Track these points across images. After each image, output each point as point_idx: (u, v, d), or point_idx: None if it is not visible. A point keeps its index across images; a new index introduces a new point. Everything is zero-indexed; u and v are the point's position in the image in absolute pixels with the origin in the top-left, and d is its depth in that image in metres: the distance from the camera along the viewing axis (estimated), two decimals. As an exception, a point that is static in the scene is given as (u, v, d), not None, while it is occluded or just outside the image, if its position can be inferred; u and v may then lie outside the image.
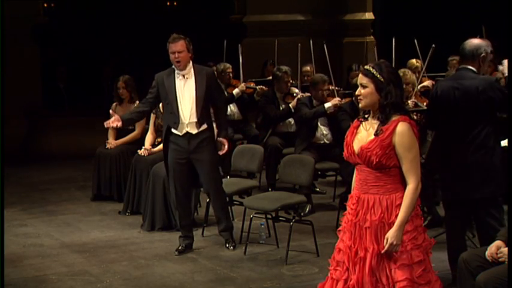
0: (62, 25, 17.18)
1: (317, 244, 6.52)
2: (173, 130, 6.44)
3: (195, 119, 6.37)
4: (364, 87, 4.04)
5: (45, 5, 15.36)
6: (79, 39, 17.57)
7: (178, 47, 6.33)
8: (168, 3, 19.58)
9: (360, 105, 4.11)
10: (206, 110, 6.46)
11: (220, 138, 6.55)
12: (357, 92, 4.11)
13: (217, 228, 6.82)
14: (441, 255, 5.64)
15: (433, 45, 7.39)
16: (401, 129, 3.96)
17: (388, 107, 3.99)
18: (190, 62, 6.42)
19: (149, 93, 6.58)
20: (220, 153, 6.57)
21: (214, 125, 6.71)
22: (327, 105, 8.02)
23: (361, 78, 4.06)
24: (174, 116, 6.38)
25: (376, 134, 4.00)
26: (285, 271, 6.17)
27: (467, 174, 5.26)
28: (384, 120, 4.01)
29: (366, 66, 4.09)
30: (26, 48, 11.81)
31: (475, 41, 5.38)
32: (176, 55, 6.33)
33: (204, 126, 6.42)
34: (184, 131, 6.40)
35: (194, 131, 6.39)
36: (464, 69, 5.34)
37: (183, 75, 6.39)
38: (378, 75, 4.00)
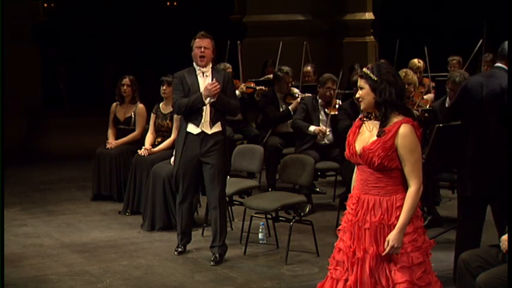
0: (62, 25, 17.19)
1: (317, 244, 6.52)
2: (189, 129, 6.33)
3: (208, 118, 6.28)
4: (361, 88, 4.08)
5: (45, 5, 15.37)
6: (79, 39, 17.57)
7: (206, 43, 6.27)
8: (168, 3, 19.57)
9: (361, 107, 4.14)
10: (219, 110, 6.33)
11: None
12: (356, 95, 4.15)
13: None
14: (441, 256, 5.65)
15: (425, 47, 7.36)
16: (404, 131, 3.97)
17: (382, 105, 4.00)
18: (211, 63, 6.38)
19: (179, 92, 6.34)
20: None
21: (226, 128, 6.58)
22: (312, 128, 8.04)
23: (359, 81, 4.10)
24: (196, 113, 6.28)
25: (378, 135, 4.00)
26: (285, 271, 6.17)
27: (489, 173, 5.25)
28: (382, 120, 4.02)
29: (363, 69, 4.11)
30: (26, 48, 11.80)
31: None
32: (202, 49, 6.26)
33: (218, 126, 6.30)
34: (199, 130, 6.29)
35: (208, 130, 6.28)
36: (498, 68, 5.35)
37: (203, 73, 6.33)
38: (372, 75, 4.02)
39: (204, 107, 6.26)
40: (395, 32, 9.78)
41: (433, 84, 9.33)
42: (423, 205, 7.35)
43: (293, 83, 9.29)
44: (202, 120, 6.28)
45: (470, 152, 5.38)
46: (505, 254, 4.40)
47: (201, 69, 6.32)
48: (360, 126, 4.16)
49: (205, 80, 6.31)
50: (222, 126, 6.34)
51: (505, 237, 4.42)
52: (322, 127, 8.09)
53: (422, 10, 14.61)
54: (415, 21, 13.92)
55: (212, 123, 6.29)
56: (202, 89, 6.27)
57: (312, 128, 8.07)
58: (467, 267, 4.54)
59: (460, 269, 4.61)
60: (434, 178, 6.95)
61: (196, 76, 6.34)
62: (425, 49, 9.47)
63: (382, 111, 4.01)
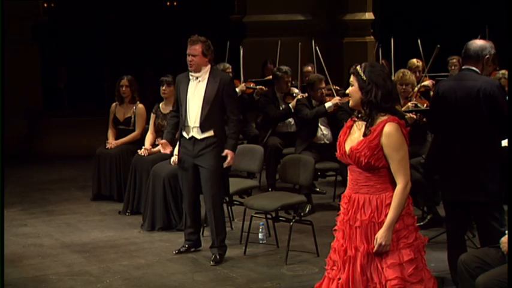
0: (62, 25, 17.19)
1: (317, 244, 6.52)
2: (183, 132, 6.37)
3: (198, 124, 6.23)
4: (352, 85, 4.12)
5: (45, 5, 15.35)
6: (79, 39, 17.57)
7: (192, 50, 6.22)
8: (168, 3, 19.57)
9: (349, 103, 4.19)
10: (214, 115, 6.24)
11: (226, 150, 6.26)
12: (347, 91, 4.19)
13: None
14: (441, 255, 5.65)
15: (438, 46, 7.37)
16: (389, 129, 3.99)
17: (367, 105, 4.03)
18: (208, 66, 6.28)
19: (176, 100, 6.50)
20: (224, 165, 6.29)
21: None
22: (328, 104, 8.04)
23: (351, 77, 4.14)
24: (182, 118, 6.33)
25: (364, 135, 4.04)
26: (285, 271, 6.17)
27: (467, 176, 5.24)
28: (368, 120, 4.05)
29: (357, 66, 4.13)
30: (26, 48, 11.82)
31: (480, 42, 5.35)
32: (190, 58, 6.24)
33: (210, 132, 6.22)
34: (190, 135, 6.30)
35: (198, 135, 6.25)
36: (467, 70, 5.31)
37: (196, 78, 6.28)
38: (362, 74, 4.06)
39: (188, 114, 6.25)
40: (395, 32, 9.77)
41: (433, 82, 9.33)
42: (423, 205, 7.36)
43: (293, 82, 9.29)
44: (191, 126, 6.27)
45: (449, 157, 5.37)
46: (504, 254, 4.41)
47: (194, 74, 6.30)
48: (350, 127, 4.19)
49: (197, 85, 6.28)
50: (215, 131, 6.26)
51: (504, 238, 4.43)
52: (337, 98, 8.08)
53: (422, 10, 14.61)
54: (414, 21, 13.92)
55: (202, 129, 6.24)
56: (189, 94, 6.26)
57: (328, 104, 8.04)
58: (467, 269, 4.54)
59: (460, 271, 4.61)
60: (433, 178, 6.95)
61: (189, 82, 6.33)
62: (419, 42, 9.48)
63: (367, 111, 4.05)
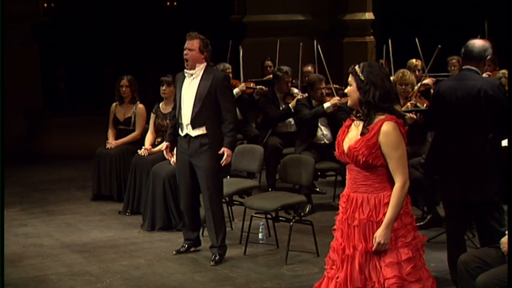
0: (62, 25, 17.20)
1: (317, 244, 6.52)
2: (179, 130, 6.37)
3: (188, 121, 6.24)
4: (350, 85, 4.13)
5: (45, 5, 15.37)
6: (79, 39, 17.58)
7: (189, 45, 6.23)
8: (168, 3, 19.58)
9: (348, 103, 4.20)
10: (206, 113, 6.21)
11: (223, 148, 6.22)
12: (345, 90, 4.20)
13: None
14: (441, 255, 5.64)
15: (439, 46, 7.38)
16: (386, 128, 4.00)
17: (365, 105, 4.04)
18: (203, 64, 6.26)
19: (174, 99, 6.52)
20: (222, 163, 6.24)
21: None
22: (326, 105, 8.04)
23: (349, 77, 4.15)
24: (177, 116, 6.35)
25: (362, 134, 4.05)
26: (285, 271, 6.17)
27: (467, 177, 5.24)
28: (366, 120, 4.06)
29: (355, 66, 4.13)
30: (26, 48, 11.82)
31: (481, 42, 5.34)
32: (186, 51, 6.24)
33: (202, 129, 6.22)
34: (184, 132, 6.31)
35: (192, 133, 6.26)
36: (467, 70, 5.31)
37: (191, 75, 6.28)
38: (360, 74, 4.07)
39: (182, 111, 6.27)
40: (395, 32, 9.79)
41: (434, 80, 9.32)
42: (423, 205, 7.36)
43: (293, 82, 9.29)
44: (185, 123, 6.28)
45: (448, 157, 5.36)
46: (504, 254, 4.41)
47: (189, 71, 6.30)
48: (349, 126, 4.21)
49: (191, 82, 6.28)
50: (207, 129, 6.24)
51: (504, 239, 4.43)
52: (336, 98, 8.07)
53: (422, 10, 14.62)
54: (414, 21, 13.92)
55: (193, 126, 6.24)
56: (183, 92, 6.28)
57: (326, 104, 8.03)
58: (467, 269, 4.54)
59: (460, 271, 4.61)
60: (433, 178, 6.95)
61: (184, 79, 6.33)
62: (417, 41, 9.48)
63: (365, 111, 4.06)
